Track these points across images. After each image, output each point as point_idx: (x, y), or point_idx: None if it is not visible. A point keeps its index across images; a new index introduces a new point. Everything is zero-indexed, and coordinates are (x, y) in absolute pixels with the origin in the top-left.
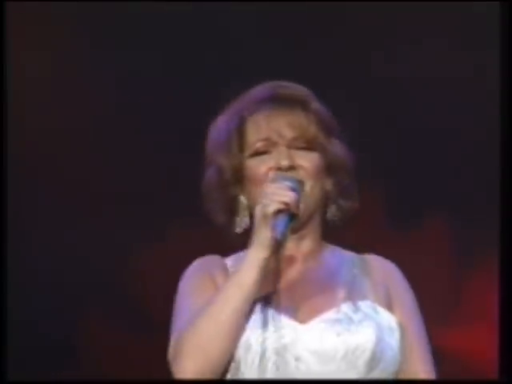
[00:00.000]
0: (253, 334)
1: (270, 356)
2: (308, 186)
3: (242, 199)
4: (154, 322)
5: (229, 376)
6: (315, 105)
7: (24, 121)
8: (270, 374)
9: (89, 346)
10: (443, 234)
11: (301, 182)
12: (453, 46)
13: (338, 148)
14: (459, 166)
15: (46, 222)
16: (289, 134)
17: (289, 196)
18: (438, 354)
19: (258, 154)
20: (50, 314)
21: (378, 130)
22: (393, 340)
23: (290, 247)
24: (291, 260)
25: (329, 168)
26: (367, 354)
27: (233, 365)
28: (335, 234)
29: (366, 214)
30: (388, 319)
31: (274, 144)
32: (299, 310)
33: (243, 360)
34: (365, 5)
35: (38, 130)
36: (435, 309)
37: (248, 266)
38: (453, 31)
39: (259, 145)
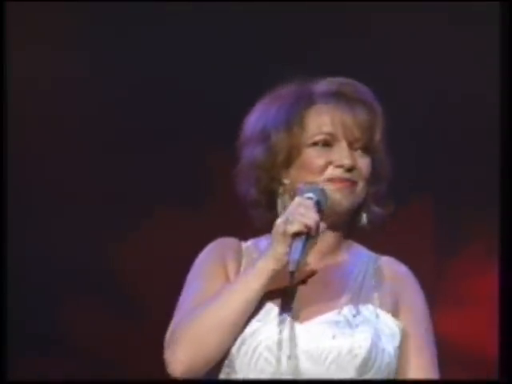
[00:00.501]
0: (250, 328)
1: (262, 352)
2: (358, 189)
3: (287, 182)
4: (144, 308)
5: (222, 368)
6: (379, 109)
7: (24, 121)
8: (259, 370)
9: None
10: (428, 217)
11: (325, 195)
12: (453, 46)
13: (385, 155)
14: (447, 149)
15: (32, 208)
16: (353, 133)
17: (312, 218)
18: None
19: (318, 144)
20: (41, 302)
21: None
22: (390, 346)
23: (313, 245)
24: (309, 257)
25: (374, 176)
26: (358, 359)
27: (228, 358)
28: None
29: None
30: (390, 326)
31: (336, 139)
32: (301, 309)
33: (236, 352)
34: (365, 5)
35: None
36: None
37: (257, 273)
38: (453, 31)
39: (322, 137)
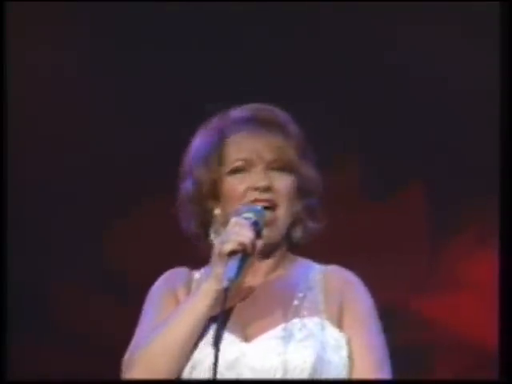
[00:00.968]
0: (199, 353)
1: (213, 375)
2: (281, 210)
3: (217, 212)
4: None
5: None
6: (294, 129)
7: (24, 121)
8: None
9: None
10: (421, 203)
11: (263, 215)
12: (453, 46)
13: (311, 171)
14: (439, 136)
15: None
16: (267, 155)
17: (246, 236)
18: (417, 321)
19: (236, 171)
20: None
21: (357, 104)
22: (337, 358)
23: (255, 262)
24: (249, 276)
25: (301, 191)
26: (305, 374)
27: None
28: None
29: (342, 185)
30: (336, 337)
31: (253, 164)
32: (247, 327)
33: (188, 378)
34: (364, 5)
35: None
36: (414, 277)
37: (201, 294)
38: (453, 31)
39: (238, 164)
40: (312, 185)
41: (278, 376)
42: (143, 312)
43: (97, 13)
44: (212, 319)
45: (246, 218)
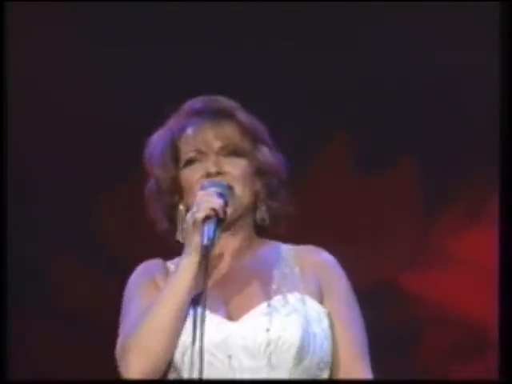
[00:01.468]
0: (187, 336)
1: (204, 356)
2: (237, 190)
3: (181, 207)
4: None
5: (169, 374)
6: (241, 116)
7: (23, 120)
8: (205, 374)
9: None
10: (409, 179)
11: (229, 187)
12: (453, 46)
13: (265, 153)
14: (428, 113)
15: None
16: (216, 143)
17: (216, 202)
18: (407, 298)
19: (190, 163)
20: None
21: (352, 79)
22: (320, 330)
23: (221, 245)
24: (221, 258)
25: (257, 172)
26: (294, 348)
27: (172, 367)
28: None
29: (330, 161)
30: (317, 310)
31: (204, 154)
32: (230, 307)
33: (180, 362)
34: (365, 5)
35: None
36: (403, 254)
37: (182, 270)
38: (453, 31)
39: (190, 155)
40: (268, 166)
41: (268, 352)
42: (126, 303)
43: (96, 12)
44: (194, 301)
45: (211, 191)
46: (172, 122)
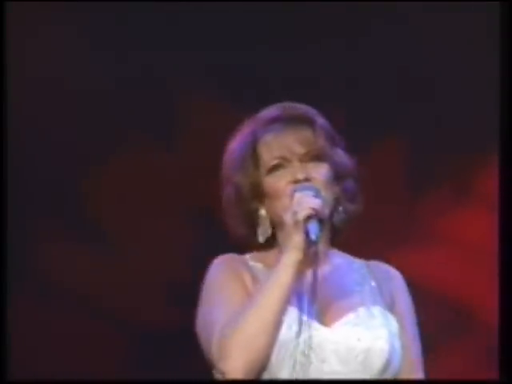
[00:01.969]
0: (284, 336)
1: (297, 357)
2: (323, 194)
3: (262, 212)
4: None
5: (262, 374)
6: (320, 121)
7: (23, 120)
8: (296, 375)
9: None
10: (395, 158)
11: (319, 191)
12: (453, 46)
13: (342, 156)
14: (414, 91)
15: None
16: (299, 149)
17: (315, 203)
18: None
19: (273, 170)
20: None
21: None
22: (398, 344)
23: (308, 251)
24: (310, 264)
25: (337, 176)
26: (383, 359)
27: (266, 366)
28: None
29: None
30: (394, 325)
31: (287, 160)
32: (323, 313)
33: (275, 360)
34: (365, 5)
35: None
36: (390, 232)
37: (285, 267)
38: (453, 31)
39: (274, 162)
40: (346, 169)
41: (358, 360)
42: (210, 295)
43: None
44: (291, 302)
45: (307, 193)
46: (249, 129)
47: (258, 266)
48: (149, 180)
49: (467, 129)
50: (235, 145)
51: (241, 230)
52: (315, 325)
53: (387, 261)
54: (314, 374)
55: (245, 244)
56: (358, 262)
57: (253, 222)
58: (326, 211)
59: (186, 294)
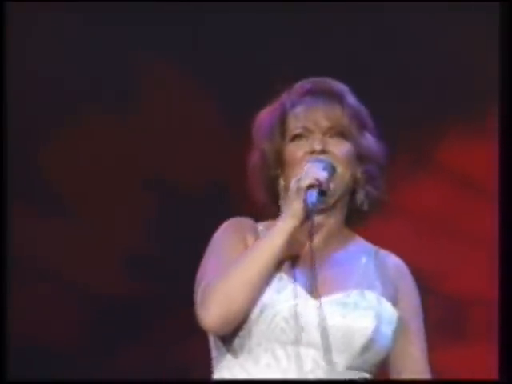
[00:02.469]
0: (270, 298)
1: (279, 322)
2: (339, 170)
3: (281, 181)
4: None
5: (241, 332)
6: (351, 100)
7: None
8: (274, 338)
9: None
10: None
11: (333, 166)
12: (453, 46)
13: (368, 141)
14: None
15: None
16: (324, 123)
17: (321, 174)
18: None
19: (295, 139)
20: None
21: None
22: (390, 331)
23: (318, 222)
24: (316, 234)
25: (359, 158)
26: (364, 339)
27: (247, 323)
28: None
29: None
30: (390, 312)
31: (311, 132)
32: (316, 286)
33: (255, 320)
34: (365, 5)
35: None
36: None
37: (278, 231)
38: (453, 31)
39: (297, 131)
40: (370, 153)
41: (339, 336)
42: (211, 250)
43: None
44: (283, 267)
45: (317, 164)
46: (282, 99)
47: (266, 231)
48: (111, 154)
49: (428, 102)
50: (266, 114)
51: (262, 198)
52: (304, 295)
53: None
54: (290, 341)
55: (265, 214)
56: (368, 248)
57: (274, 190)
58: (334, 186)
59: (147, 268)
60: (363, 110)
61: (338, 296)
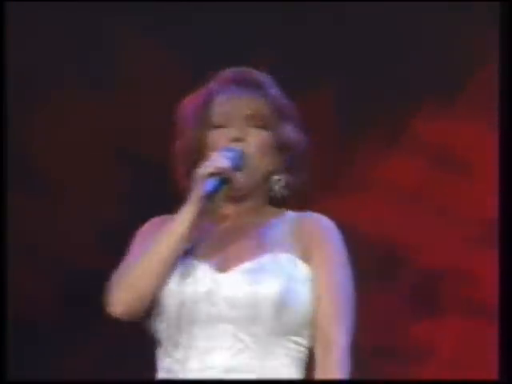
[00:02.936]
0: (174, 283)
1: (187, 303)
2: (255, 159)
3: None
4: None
5: (155, 317)
6: (273, 91)
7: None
8: (185, 321)
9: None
10: (330, 105)
11: (245, 155)
12: (453, 46)
13: (288, 131)
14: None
15: None
16: (244, 112)
17: (224, 163)
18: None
19: (217, 127)
20: None
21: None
22: (305, 289)
23: (228, 208)
24: (225, 218)
25: (278, 146)
26: (269, 303)
27: (158, 309)
28: None
29: None
30: (305, 273)
31: (232, 119)
32: (222, 260)
33: (165, 306)
34: (365, 5)
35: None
36: (323, 178)
37: (179, 219)
38: (453, 31)
39: (219, 119)
40: (290, 143)
41: (247, 304)
42: (129, 250)
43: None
44: (188, 252)
45: (223, 154)
46: (206, 87)
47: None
48: (85, 129)
49: (403, 77)
50: (190, 100)
51: (184, 183)
52: (209, 271)
53: (321, 208)
54: (203, 318)
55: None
56: (290, 215)
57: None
58: (245, 175)
59: (121, 244)
60: (286, 101)
61: (247, 264)
